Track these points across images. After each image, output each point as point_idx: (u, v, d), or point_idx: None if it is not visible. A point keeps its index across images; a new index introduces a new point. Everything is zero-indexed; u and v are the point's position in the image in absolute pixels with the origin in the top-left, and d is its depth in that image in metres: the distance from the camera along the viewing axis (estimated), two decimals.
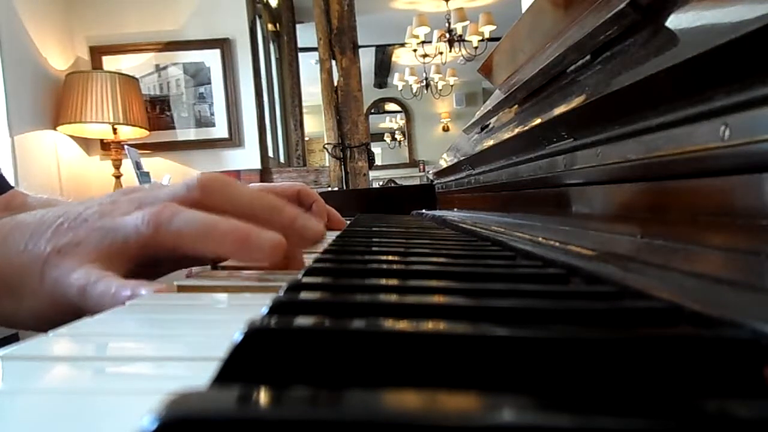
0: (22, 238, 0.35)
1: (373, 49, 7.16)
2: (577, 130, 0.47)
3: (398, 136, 9.16)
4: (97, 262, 0.34)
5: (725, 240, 0.27)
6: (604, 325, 0.20)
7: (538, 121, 0.54)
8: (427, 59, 6.23)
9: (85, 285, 0.32)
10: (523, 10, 1.19)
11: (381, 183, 6.71)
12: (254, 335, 0.15)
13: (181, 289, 0.33)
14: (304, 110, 4.57)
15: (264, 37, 3.79)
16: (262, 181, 3.05)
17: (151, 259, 0.36)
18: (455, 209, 1.15)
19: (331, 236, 0.60)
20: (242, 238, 0.33)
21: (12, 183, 0.84)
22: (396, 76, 7.57)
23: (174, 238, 0.34)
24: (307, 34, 4.41)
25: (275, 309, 0.20)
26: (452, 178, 1.16)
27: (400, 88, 7.47)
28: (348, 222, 0.75)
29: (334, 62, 3.21)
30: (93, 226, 0.35)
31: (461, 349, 0.16)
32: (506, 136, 0.67)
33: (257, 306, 0.21)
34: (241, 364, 0.15)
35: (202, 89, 3.12)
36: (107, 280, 0.32)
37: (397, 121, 9.19)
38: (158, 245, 0.34)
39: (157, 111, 3.10)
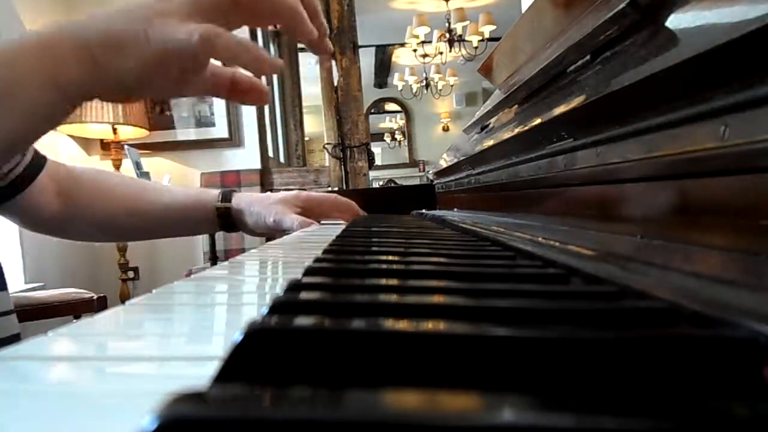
0: (113, 13, 0.43)
1: (373, 49, 7.16)
2: (577, 130, 0.47)
3: (398, 136, 9.16)
4: (197, 17, 0.43)
5: (725, 240, 0.27)
6: (604, 325, 0.20)
7: (538, 121, 0.54)
8: (427, 59, 6.23)
9: (192, 36, 0.41)
10: (523, 10, 1.19)
11: (381, 183, 6.71)
12: (254, 335, 0.15)
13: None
14: (304, 110, 4.56)
15: (264, 37, 3.79)
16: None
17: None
18: (455, 209, 1.15)
19: (333, 236, 0.60)
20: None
21: None
22: (396, 76, 7.57)
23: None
24: None
25: (275, 309, 0.20)
26: (452, 178, 1.16)
27: (400, 88, 7.47)
28: None
29: (334, 62, 3.21)
30: (168, 5, 0.43)
31: (461, 349, 0.16)
32: (506, 136, 0.67)
33: (256, 306, 0.21)
34: (242, 364, 0.15)
35: None
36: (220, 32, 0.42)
37: (396, 121, 9.19)
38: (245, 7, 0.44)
39: (157, 111, 3.10)
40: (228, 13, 0.44)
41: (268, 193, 0.84)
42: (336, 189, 3.03)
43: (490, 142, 0.78)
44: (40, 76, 0.42)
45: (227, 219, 0.83)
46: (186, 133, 3.13)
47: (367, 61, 6.63)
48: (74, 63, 0.42)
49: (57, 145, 2.81)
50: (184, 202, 0.83)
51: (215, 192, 0.84)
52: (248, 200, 0.84)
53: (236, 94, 0.51)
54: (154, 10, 0.43)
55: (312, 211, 0.87)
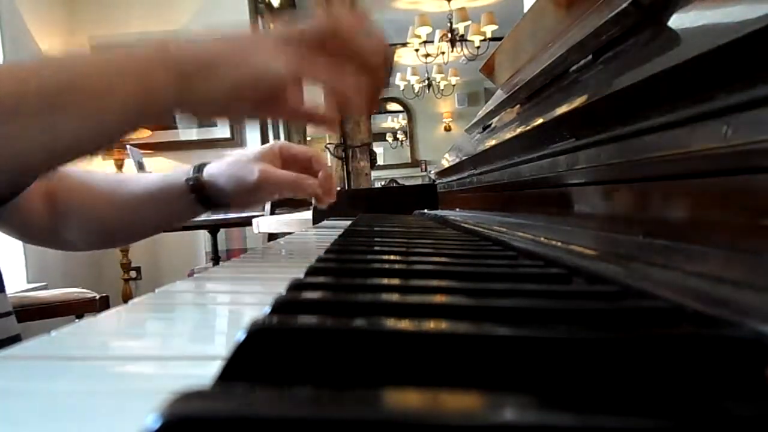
0: (210, 40, 0.45)
1: None
2: (579, 130, 0.46)
3: (400, 136, 9.15)
4: (287, 51, 0.44)
5: (727, 240, 0.27)
6: (606, 324, 0.20)
7: (540, 120, 0.54)
8: (429, 59, 6.22)
9: (294, 66, 0.44)
10: (525, 10, 1.19)
11: (383, 183, 6.70)
12: (257, 334, 0.15)
13: None
14: None
15: None
16: None
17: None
18: (457, 209, 1.15)
19: (335, 234, 0.60)
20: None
21: None
22: (398, 75, 7.56)
23: (346, 39, 0.47)
24: None
25: (278, 308, 0.20)
26: (454, 177, 1.16)
27: (402, 87, 7.46)
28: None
29: None
30: (275, 29, 0.47)
31: (463, 348, 0.16)
32: (508, 135, 0.67)
33: (258, 306, 0.21)
34: (244, 363, 0.15)
35: None
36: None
37: (399, 121, 9.18)
38: (331, 42, 0.46)
39: None
40: (322, 49, 0.46)
41: (237, 152, 0.75)
42: (338, 189, 3.03)
43: (492, 142, 0.78)
44: (129, 88, 0.43)
45: (201, 192, 0.74)
46: (188, 133, 3.13)
47: None
48: (164, 80, 0.43)
49: None
50: (158, 184, 0.77)
51: (188, 167, 0.78)
52: (220, 166, 0.75)
53: (312, 121, 0.53)
54: (250, 39, 0.45)
55: (292, 167, 0.75)
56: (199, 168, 0.74)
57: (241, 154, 0.72)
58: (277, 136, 3.92)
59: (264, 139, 3.26)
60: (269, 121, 3.56)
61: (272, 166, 0.70)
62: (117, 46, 0.47)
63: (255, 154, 0.71)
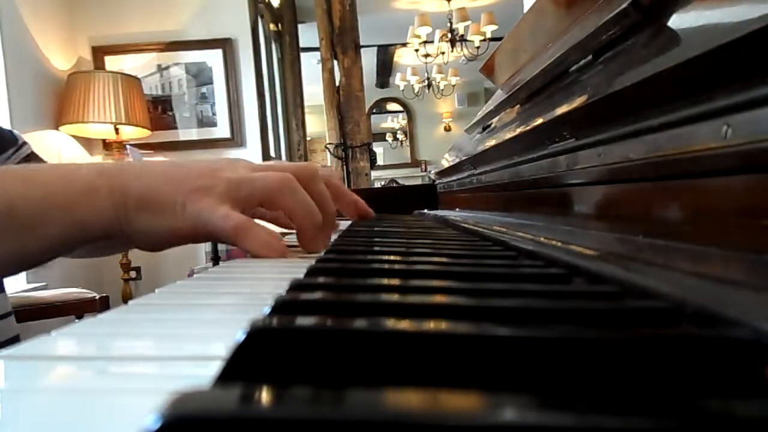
0: (158, 177, 0.46)
1: (375, 48, 7.16)
2: (579, 129, 0.47)
3: (400, 136, 9.15)
4: (230, 203, 0.45)
5: (727, 239, 0.27)
6: (606, 324, 0.20)
7: (540, 120, 0.54)
8: (429, 59, 6.23)
9: (227, 221, 0.44)
10: (525, 10, 1.19)
11: (383, 183, 6.71)
12: (257, 335, 0.15)
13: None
14: (306, 110, 4.56)
15: (266, 37, 3.79)
16: None
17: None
18: (457, 209, 1.15)
19: (336, 233, 0.60)
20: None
21: None
22: (398, 75, 7.56)
23: (288, 204, 0.47)
24: (308, 34, 4.41)
25: (278, 308, 0.20)
26: (454, 177, 1.16)
27: (401, 87, 7.47)
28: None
29: (335, 62, 3.21)
30: (223, 177, 0.46)
31: (463, 348, 0.16)
32: (508, 136, 0.67)
33: (259, 305, 0.21)
34: (244, 364, 0.15)
35: (204, 89, 3.13)
36: (243, 220, 0.45)
37: (398, 121, 9.19)
38: (272, 203, 0.47)
39: (159, 111, 3.11)
40: (264, 204, 0.49)
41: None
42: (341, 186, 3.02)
43: (492, 142, 0.78)
44: (66, 219, 0.44)
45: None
46: (188, 133, 3.13)
47: (368, 60, 6.62)
48: (108, 210, 0.45)
49: (59, 146, 2.81)
50: None
51: None
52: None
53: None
54: (197, 186, 0.45)
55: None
56: None
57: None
58: (276, 136, 3.92)
59: (264, 139, 3.26)
60: (269, 121, 3.56)
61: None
62: (68, 167, 0.48)
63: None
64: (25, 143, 0.80)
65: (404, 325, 0.17)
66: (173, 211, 0.45)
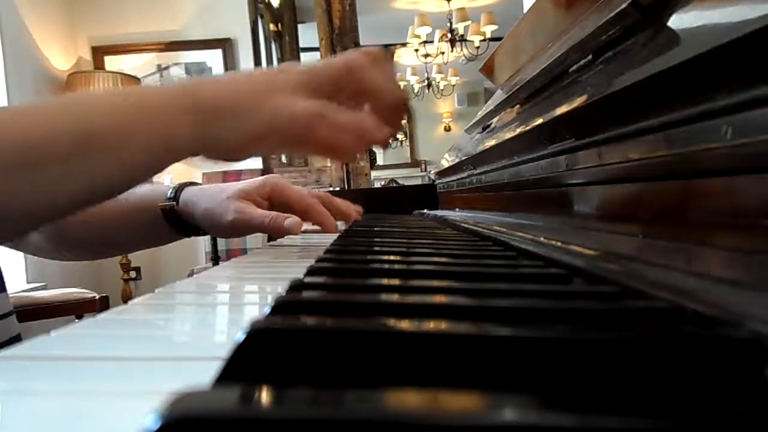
0: (229, 83, 0.47)
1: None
2: (578, 130, 0.47)
3: (400, 136, 9.14)
4: (307, 94, 0.46)
5: (726, 240, 0.27)
6: (606, 325, 0.20)
7: (539, 121, 0.54)
8: (428, 59, 6.23)
9: (305, 111, 0.45)
10: (525, 10, 1.19)
11: (383, 183, 6.71)
12: (257, 335, 0.15)
13: None
14: None
15: (266, 37, 3.79)
16: None
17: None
18: (457, 209, 1.15)
19: (336, 233, 0.60)
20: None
21: None
22: (398, 75, 7.55)
23: (366, 80, 0.48)
24: (308, 34, 4.41)
25: (278, 308, 0.20)
26: (454, 178, 1.16)
27: (401, 87, 7.47)
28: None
29: None
30: (293, 71, 0.47)
31: (463, 348, 0.16)
32: (508, 136, 0.67)
33: (258, 305, 0.21)
34: (244, 364, 0.15)
35: None
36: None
37: None
38: (349, 84, 0.48)
39: None
40: (339, 90, 0.48)
41: (222, 184, 0.69)
42: (338, 189, 3.03)
43: (492, 142, 0.78)
44: (145, 138, 0.44)
45: (178, 221, 0.68)
46: None
47: None
48: (182, 126, 0.44)
49: None
50: (133, 204, 0.69)
51: (166, 188, 0.70)
52: (198, 195, 0.68)
53: (338, 158, 0.55)
54: (268, 84, 0.46)
55: (281, 208, 0.68)
56: (177, 191, 0.69)
57: (225, 187, 0.68)
58: None
59: None
60: None
61: (251, 206, 0.65)
62: (139, 88, 0.48)
63: (238, 189, 0.67)
64: None
65: (404, 325, 0.17)
66: (251, 112, 0.45)
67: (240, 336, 0.15)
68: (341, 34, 3.17)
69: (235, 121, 0.45)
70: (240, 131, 0.45)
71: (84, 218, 0.61)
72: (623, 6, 0.39)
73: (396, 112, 0.51)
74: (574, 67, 0.53)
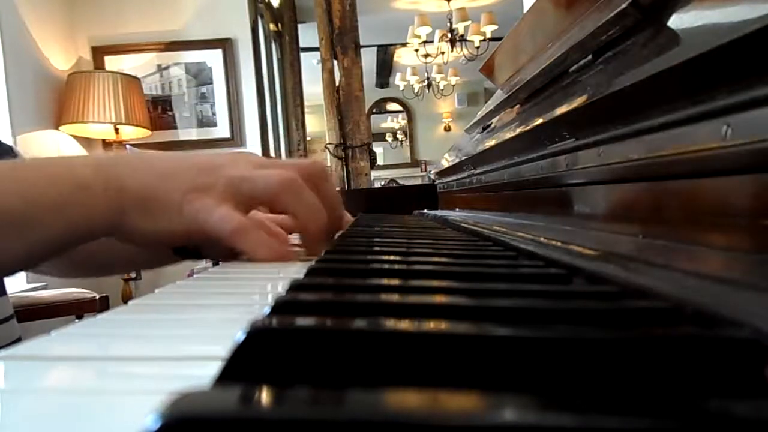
0: (155, 173, 0.44)
1: (375, 48, 7.16)
2: (578, 130, 0.47)
3: (400, 136, 9.15)
4: (230, 203, 0.43)
5: (726, 240, 0.27)
6: (606, 324, 0.20)
7: (539, 120, 0.54)
8: (428, 59, 6.23)
9: (225, 222, 0.43)
10: (525, 10, 1.19)
11: (383, 183, 6.71)
12: (256, 335, 0.15)
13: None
14: (306, 110, 4.56)
15: (266, 37, 3.79)
16: None
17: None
18: (457, 209, 1.15)
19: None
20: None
21: None
22: (398, 75, 7.56)
23: (291, 205, 0.45)
24: (308, 34, 4.41)
25: (277, 309, 0.20)
26: (454, 178, 1.16)
27: (401, 87, 7.46)
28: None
29: (335, 62, 3.21)
30: (223, 174, 0.44)
31: (463, 348, 0.16)
32: (508, 136, 0.67)
33: (258, 305, 0.21)
34: (244, 364, 0.15)
35: (204, 89, 3.13)
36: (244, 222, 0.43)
37: (398, 121, 9.18)
38: (274, 204, 0.45)
39: (159, 111, 3.11)
40: (264, 203, 0.47)
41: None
42: (338, 189, 3.03)
43: (492, 142, 0.78)
44: (63, 217, 0.43)
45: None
46: (188, 133, 3.13)
47: (368, 61, 6.62)
48: (102, 211, 0.43)
49: (59, 146, 2.81)
50: None
51: None
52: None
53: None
54: (195, 185, 0.44)
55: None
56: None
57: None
58: (276, 136, 3.92)
59: (264, 139, 3.26)
60: (269, 121, 3.56)
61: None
62: (58, 162, 0.46)
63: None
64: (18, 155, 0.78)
65: (404, 325, 0.17)
66: (170, 212, 0.43)
67: (240, 336, 0.15)
68: (341, 34, 3.16)
69: (152, 216, 0.44)
70: (157, 226, 0.44)
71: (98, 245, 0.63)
72: (623, 6, 0.39)
73: (327, 231, 0.48)
74: (574, 67, 0.53)
